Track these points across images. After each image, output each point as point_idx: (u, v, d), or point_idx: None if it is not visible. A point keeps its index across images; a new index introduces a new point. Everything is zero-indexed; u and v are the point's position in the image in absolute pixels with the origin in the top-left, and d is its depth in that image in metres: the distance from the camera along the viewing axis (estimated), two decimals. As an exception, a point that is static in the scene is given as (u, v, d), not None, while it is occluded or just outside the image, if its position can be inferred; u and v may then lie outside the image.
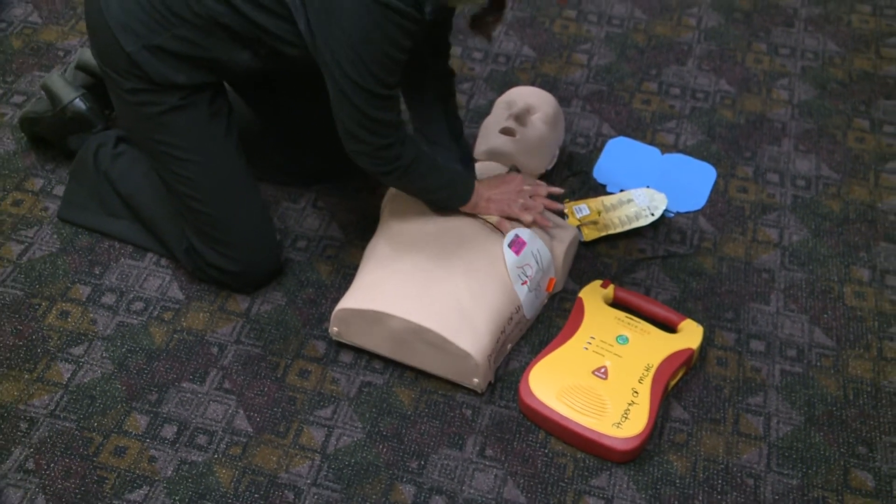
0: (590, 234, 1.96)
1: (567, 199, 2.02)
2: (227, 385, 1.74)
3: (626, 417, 1.65)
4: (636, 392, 1.68)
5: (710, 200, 2.06)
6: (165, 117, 1.71)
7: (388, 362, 1.78)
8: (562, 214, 1.98)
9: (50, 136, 2.05)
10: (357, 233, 1.98)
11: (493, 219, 1.81)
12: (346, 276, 1.91)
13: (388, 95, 1.58)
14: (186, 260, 1.85)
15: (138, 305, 1.85)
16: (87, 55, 2.03)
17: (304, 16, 1.53)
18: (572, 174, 2.10)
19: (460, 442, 1.68)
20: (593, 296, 1.83)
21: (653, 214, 1.96)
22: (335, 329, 1.76)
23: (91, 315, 1.83)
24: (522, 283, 1.75)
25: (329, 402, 1.72)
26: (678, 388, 1.76)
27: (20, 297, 1.85)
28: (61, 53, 2.30)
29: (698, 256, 1.96)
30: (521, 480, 1.63)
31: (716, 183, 2.09)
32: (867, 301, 1.89)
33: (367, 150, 1.64)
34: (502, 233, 1.80)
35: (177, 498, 1.59)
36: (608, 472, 1.64)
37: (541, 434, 1.69)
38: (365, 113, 1.58)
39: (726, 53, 2.38)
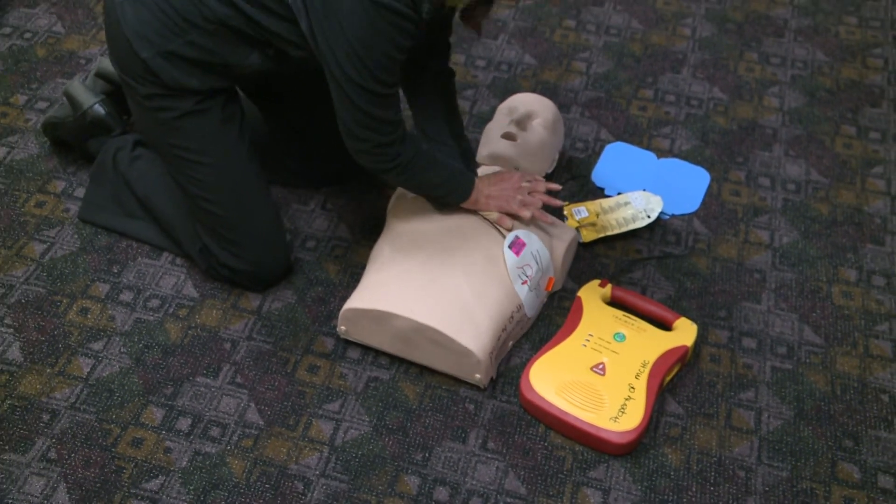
0: (588, 236, 1.95)
1: (566, 202, 2.00)
2: (239, 379, 1.73)
3: (622, 412, 1.64)
4: (633, 387, 1.67)
5: (704, 203, 2.05)
6: (180, 122, 1.70)
7: (394, 359, 1.77)
8: (561, 216, 1.97)
9: (71, 140, 2.04)
10: (364, 234, 1.97)
11: (493, 215, 1.80)
12: (353, 275, 1.90)
13: (387, 94, 1.56)
14: (200, 259, 1.84)
15: (155, 303, 1.84)
16: (106, 63, 2.02)
17: (305, 17, 1.52)
18: (571, 178, 2.08)
19: (463, 435, 1.67)
20: (592, 295, 1.82)
21: (649, 217, 1.95)
22: (343, 327, 1.75)
23: (110, 312, 1.82)
24: (523, 283, 1.74)
25: (337, 396, 1.71)
26: (673, 383, 1.75)
27: (43, 294, 1.84)
28: (83, 61, 2.30)
29: (693, 257, 1.94)
30: (522, 472, 1.62)
31: (709, 186, 2.08)
32: (854, 300, 1.88)
33: (368, 147, 1.63)
34: (502, 229, 1.78)
35: (191, 487, 1.58)
36: (605, 465, 1.63)
37: (541, 428, 1.68)
38: (365, 111, 1.56)
39: (719, 62, 2.37)
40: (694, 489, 1.60)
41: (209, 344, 1.78)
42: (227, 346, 1.78)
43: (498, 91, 2.27)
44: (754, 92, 2.29)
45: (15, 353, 1.75)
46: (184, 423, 1.67)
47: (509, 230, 1.78)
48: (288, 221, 1.99)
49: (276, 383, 1.73)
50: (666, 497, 1.59)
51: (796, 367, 1.77)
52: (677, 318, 1.78)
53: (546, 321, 1.83)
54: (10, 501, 1.55)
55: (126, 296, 1.85)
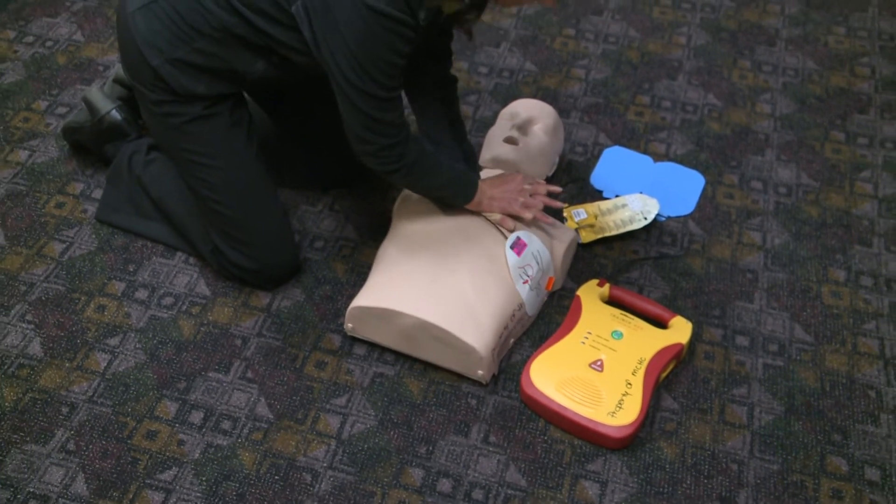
0: (587, 237, 1.93)
1: (566, 204, 1.99)
2: (249, 375, 1.72)
3: (620, 407, 1.63)
4: (630, 384, 1.65)
5: (699, 206, 2.03)
6: (189, 126, 1.69)
7: (399, 355, 1.76)
8: (560, 218, 1.95)
9: (89, 144, 2.03)
10: (370, 234, 1.96)
11: (496, 216, 1.78)
12: (360, 274, 1.88)
13: (389, 98, 1.55)
14: (212, 259, 1.83)
15: (168, 300, 1.83)
16: (123, 71, 2.00)
17: (307, 25, 1.51)
18: (571, 181, 2.07)
19: (466, 429, 1.65)
20: (590, 294, 1.80)
21: (646, 218, 1.94)
22: (349, 325, 1.74)
23: (125, 309, 1.81)
24: (524, 282, 1.72)
25: (344, 391, 1.70)
26: (669, 380, 1.73)
27: (62, 291, 1.83)
28: (101, 68, 2.29)
29: (688, 258, 1.93)
30: (523, 465, 1.61)
31: (704, 189, 2.06)
32: (843, 300, 1.87)
33: (373, 150, 1.61)
34: (504, 231, 1.77)
35: (203, 478, 1.57)
36: (603, 458, 1.62)
37: (541, 422, 1.67)
38: (368, 115, 1.55)
39: (714, 70, 2.35)
40: (688, 482, 1.59)
41: (221, 340, 1.77)
42: (238, 342, 1.77)
43: (500, 97, 2.25)
44: (747, 98, 2.27)
45: (36, 348, 1.74)
46: (196, 417, 1.65)
47: (511, 231, 1.77)
48: (296, 222, 1.97)
49: (286, 378, 1.71)
50: (661, 489, 1.58)
51: (787, 364, 1.76)
52: (673, 316, 1.77)
53: (546, 319, 1.81)
54: (32, 490, 1.54)
55: (141, 294, 1.84)
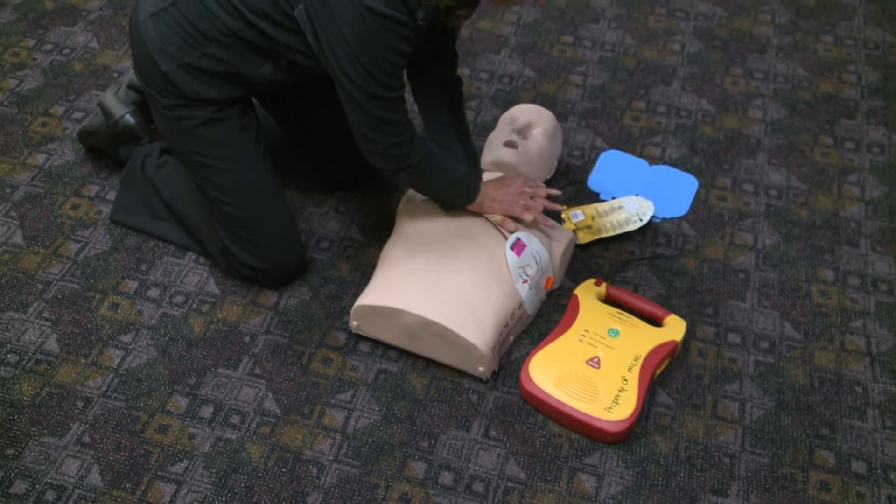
0: (584, 237, 1.92)
1: (564, 206, 1.97)
2: (257, 371, 1.71)
3: (616, 402, 1.61)
4: (625, 380, 1.64)
5: (693, 208, 2.02)
6: (199, 130, 1.68)
7: (402, 352, 1.74)
8: (559, 219, 1.94)
9: (103, 147, 2.02)
10: (374, 234, 1.95)
11: (496, 218, 1.77)
12: (364, 273, 1.87)
13: (391, 97, 1.53)
14: (221, 258, 1.82)
15: (179, 299, 1.81)
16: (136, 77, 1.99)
17: (311, 29, 1.50)
18: (569, 183, 2.05)
19: (467, 424, 1.64)
20: (587, 293, 1.79)
21: (641, 220, 1.92)
22: (354, 323, 1.73)
23: (138, 307, 1.80)
24: (523, 282, 1.71)
25: (349, 387, 1.69)
26: (663, 376, 1.72)
27: (77, 290, 1.82)
28: (115, 74, 2.27)
29: (682, 258, 1.92)
30: (522, 459, 1.60)
31: (697, 192, 2.05)
32: (831, 299, 1.85)
33: (378, 149, 1.60)
34: (505, 232, 1.75)
35: (213, 471, 1.57)
36: (600, 452, 1.61)
37: (539, 417, 1.65)
38: (371, 114, 1.54)
39: (707, 76, 2.34)
40: (682, 474, 1.58)
41: (230, 337, 1.76)
42: (247, 339, 1.75)
43: (500, 102, 2.24)
44: (739, 104, 2.26)
45: (52, 344, 1.73)
46: (206, 411, 1.64)
47: (511, 232, 1.75)
48: (303, 223, 1.96)
49: (292, 374, 1.70)
50: (656, 482, 1.57)
51: (777, 361, 1.75)
52: (667, 314, 1.76)
53: (545, 318, 1.80)
54: (49, 481, 1.54)
55: (153, 292, 1.82)
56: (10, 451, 1.57)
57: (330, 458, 1.59)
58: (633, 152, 2.13)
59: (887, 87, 2.30)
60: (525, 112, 2.00)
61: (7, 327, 1.75)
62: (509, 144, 1.94)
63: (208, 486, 1.54)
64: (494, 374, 1.71)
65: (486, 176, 1.90)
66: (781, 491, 1.56)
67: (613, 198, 2.02)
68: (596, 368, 1.66)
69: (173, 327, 1.77)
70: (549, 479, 1.57)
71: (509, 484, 1.56)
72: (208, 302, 1.81)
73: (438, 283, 1.68)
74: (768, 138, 2.18)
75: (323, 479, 1.56)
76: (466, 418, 1.65)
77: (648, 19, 2.49)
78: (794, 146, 2.16)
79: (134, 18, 1.65)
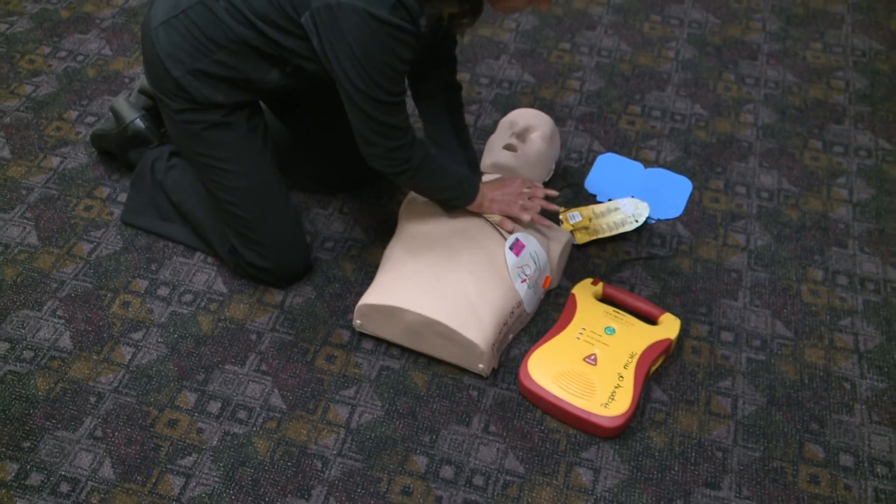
0: (582, 238, 1.90)
1: (562, 208, 1.96)
2: (264, 367, 1.69)
3: (612, 399, 1.60)
4: (621, 376, 1.63)
5: (687, 209, 2.00)
6: (208, 133, 1.66)
7: (404, 350, 1.73)
8: (557, 220, 1.92)
9: (115, 150, 2.00)
10: (377, 235, 1.93)
11: (496, 218, 1.76)
12: (367, 273, 1.86)
13: (393, 102, 1.52)
14: (229, 258, 1.81)
15: (188, 297, 1.80)
16: (147, 82, 1.99)
17: (316, 35, 1.49)
18: (567, 185, 2.04)
19: (467, 419, 1.63)
20: (584, 292, 1.78)
21: (637, 221, 1.91)
22: (358, 321, 1.71)
23: (148, 305, 1.79)
24: (522, 281, 1.69)
25: (352, 383, 1.68)
26: (658, 373, 1.71)
27: (90, 289, 1.81)
28: (127, 80, 2.26)
29: (676, 258, 1.90)
30: (521, 453, 1.59)
31: (691, 194, 2.04)
32: (821, 298, 1.84)
33: (380, 152, 1.58)
34: (504, 233, 1.74)
35: (221, 464, 1.55)
36: (596, 447, 1.60)
37: (538, 413, 1.64)
38: (374, 118, 1.52)
39: (700, 82, 2.32)
40: (676, 468, 1.57)
41: (237, 335, 1.74)
42: (253, 337, 1.74)
43: (500, 106, 2.23)
44: (731, 109, 2.25)
45: (66, 341, 1.72)
46: (214, 407, 1.63)
47: (510, 233, 1.74)
48: (308, 224, 1.95)
49: (297, 371, 1.69)
50: (651, 475, 1.56)
51: (769, 359, 1.74)
52: (662, 313, 1.74)
53: (543, 316, 1.79)
54: (63, 473, 1.53)
55: (163, 291, 1.81)
56: (26, 445, 1.56)
57: (334, 452, 1.58)
58: (628, 155, 2.12)
59: (874, 93, 2.29)
60: (524, 116, 1.99)
61: (22, 325, 1.74)
62: (509, 147, 1.93)
63: (216, 478, 1.53)
64: (494, 371, 1.70)
65: (485, 178, 1.89)
66: (772, 484, 1.55)
67: (610, 199, 2.01)
68: (593, 365, 1.64)
69: (182, 325, 1.75)
70: (547, 472, 1.56)
71: (508, 477, 1.55)
72: (216, 300, 1.80)
73: (439, 282, 1.67)
74: (760, 142, 2.16)
75: (327, 472, 1.55)
76: (467, 414, 1.64)
77: (643, 26, 2.48)
78: (785, 150, 2.15)
79: (146, 26, 1.64)
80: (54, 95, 2.21)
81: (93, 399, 1.63)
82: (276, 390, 1.66)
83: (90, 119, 2.15)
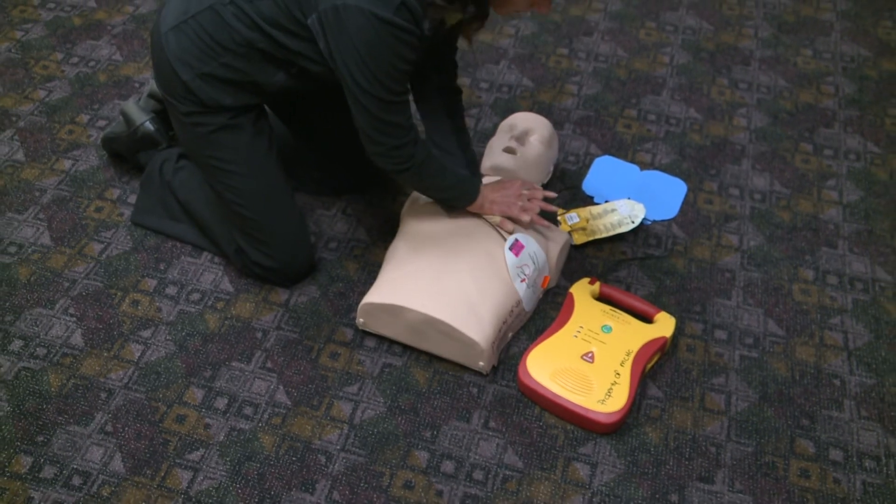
0: (579, 239, 1.89)
1: (560, 209, 1.94)
2: (269, 364, 1.68)
3: (609, 395, 1.59)
4: (618, 374, 1.62)
5: (682, 210, 1.99)
6: (215, 136, 1.65)
7: (406, 347, 1.72)
8: (555, 221, 1.91)
9: (125, 152, 1.99)
10: (380, 236, 1.92)
11: (496, 219, 1.74)
12: (370, 272, 1.84)
13: (396, 101, 1.51)
14: (235, 258, 1.79)
15: (196, 296, 1.79)
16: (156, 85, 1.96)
17: (322, 36, 1.48)
18: (565, 187, 2.03)
19: (467, 415, 1.62)
20: (582, 291, 1.76)
21: (633, 222, 1.89)
22: (361, 320, 1.70)
23: (157, 304, 1.77)
24: (521, 281, 1.68)
25: (355, 380, 1.66)
26: (654, 370, 1.70)
27: (100, 288, 1.79)
28: (137, 85, 2.25)
29: (671, 258, 1.89)
30: (520, 448, 1.57)
31: (686, 196, 2.02)
32: (811, 297, 1.83)
33: (383, 150, 1.57)
34: (504, 234, 1.72)
35: (227, 459, 1.54)
36: (593, 442, 1.58)
37: (536, 409, 1.63)
38: (378, 117, 1.51)
39: (694, 86, 2.31)
40: (671, 463, 1.56)
41: (243, 333, 1.73)
42: (259, 335, 1.73)
43: (499, 110, 2.21)
44: (725, 113, 2.23)
45: (77, 338, 1.71)
46: (221, 403, 1.62)
47: (510, 233, 1.73)
48: (312, 224, 1.94)
49: (302, 368, 1.67)
50: (646, 470, 1.55)
51: (761, 356, 1.72)
52: (658, 312, 1.73)
53: (542, 315, 1.77)
54: (75, 467, 1.52)
55: (171, 290, 1.80)
56: (40, 439, 1.55)
57: (338, 447, 1.56)
58: (625, 158, 2.10)
59: (863, 98, 2.28)
60: (523, 120, 1.97)
61: (36, 322, 1.73)
62: (508, 150, 1.91)
63: (223, 473, 1.52)
64: (494, 369, 1.68)
65: (485, 180, 1.87)
66: (764, 478, 1.54)
67: (607, 201, 1.99)
68: (590, 363, 1.63)
69: (190, 323, 1.74)
70: (545, 467, 1.55)
71: (507, 472, 1.54)
72: (223, 299, 1.78)
73: (441, 281, 1.65)
74: (752, 145, 2.15)
75: (331, 467, 1.53)
76: (467, 410, 1.62)
77: (639, 32, 2.47)
78: (777, 153, 2.13)
79: (156, 31, 1.63)
80: (67, 100, 2.20)
81: (103, 395, 1.62)
82: (282, 387, 1.65)
83: (101, 122, 2.14)
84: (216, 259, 1.86)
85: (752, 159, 2.12)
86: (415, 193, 1.85)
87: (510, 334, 1.72)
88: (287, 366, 1.68)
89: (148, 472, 1.52)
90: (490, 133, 2.16)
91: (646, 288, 1.83)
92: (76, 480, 1.50)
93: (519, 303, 1.69)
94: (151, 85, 2.00)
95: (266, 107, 1.78)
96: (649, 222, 1.97)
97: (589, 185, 2.05)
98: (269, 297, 1.79)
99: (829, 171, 2.10)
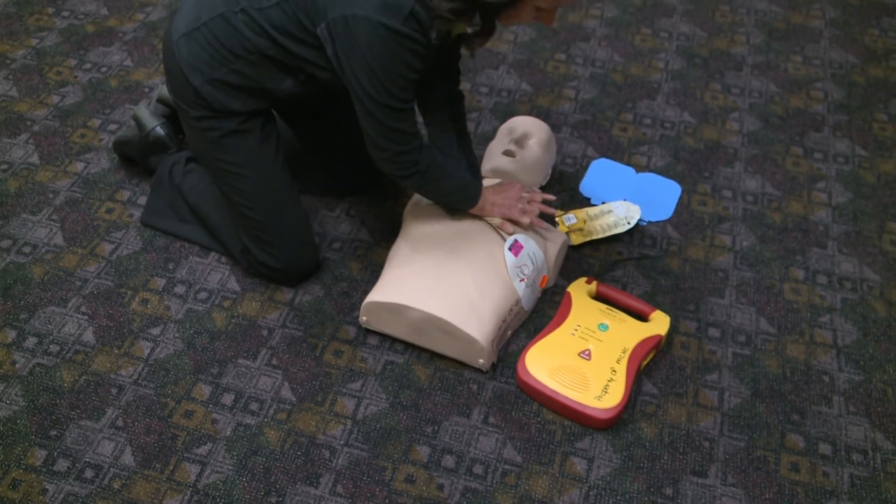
0: (577, 239, 1.87)
1: (558, 210, 1.93)
2: (274, 362, 1.67)
3: (605, 392, 1.57)
4: (614, 371, 1.60)
5: (676, 212, 1.97)
6: (224, 140, 1.64)
7: (408, 345, 1.70)
8: (553, 223, 1.89)
9: (135, 156, 1.98)
10: (382, 236, 1.90)
11: (496, 221, 1.73)
12: (373, 272, 1.83)
13: (403, 108, 1.50)
14: (242, 258, 1.78)
15: (203, 295, 1.77)
16: (167, 91, 1.97)
17: (331, 44, 1.46)
18: (562, 189, 2.01)
19: (468, 411, 1.60)
20: (579, 290, 1.75)
21: (629, 223, 1.88)
22: (364, 318, 1.69)
23: (166, 302, 1.76)
24: (521, 280, 1.67)
25: (358, 377, 1.65)
26: (649, 367, 1.68)
27: (111, 287, 1.78)
28: (147, 90, 2.23)
29: (666, 258, 1.87)
30: (518, 443, 1.56)
31: (680, 197, 2.01)
32: (802, 296, 1.81)
33: (389, 156, 1.56)
34: (504, 235, 1.71)
35: (234, 453, 1.53)
36: (590, 437, 1.57)
37: (535, 405, 1.61)
38: (384, 124, 1.50)
39: (688, 91, 2.29)
40: (666, 457, 1.55)
41: (249, 331, 1.72)
42: (265, 332, 1.71)
43: (499, 114, 2.20)
44: (718, 117, 2.21)
45: (89, 336, 1.69)
46: (228, 399, 1.61)
47: (509, 234, 1.71)
48: (317, 225, 1.92)
49: (306, 365, 1.66)
50: (642, 464, 1.54)
51: (753, 353, 1.71)
52: (653, 310, 1.72)
53: (540, 313, 1.76)
54: (88, 460, 1.51)
55: (179, 289, 1.78)
56: (53, 433, 1.54)
57: (341, 442, 1.55)
58: (621, 161, 2.09)
59: (851, 104, 2.27)
60: (522, 123, 1.96)
61: (49, 320, 1.71)
62: (507, 153, 1.90)
63: (230, 466, 1.51)
64: (493, 366, 1.67)
65: (485, 182, 1.85)
66: (756, 472, 1.53)
67: (603, 203, 1.98)
68: (587, 360, 1.62)
69: (198, 321, 1.73)
70: (543, 462, 1.53)
71: (507, 466, 1.53)
72: (230, 298, 1.77)
73: (442, 281, 1.64)
74: (745, 148, 2.13)
75: (335, 461, 1.52)
76: (467, 406, 1.61)
77: (635, 38, 2.45)
78: (768, 156, 2.12)
79: (168, 38, 1.61)
80: (79, 105, 2.18)
81: (114, 391, 1.61)
82: (287, 383, 1.63)
83: (112, 126, 2.13)
84: (223, 259, 1.84)
85: (745, 162, 2.10)
86: (416, 195, 1.83)
87: (509, 332, 1.71)
88: (292, 363, 1.67)
89: (157, 465, 1.51)
90: (490, 136, 2.14)
91: (641, 287, 1.82)
92: (88, 473, 1.49)
93: (518, 302, 1.67)
94: (161, 90, 2.00)
95: (274, 112, 1.76)
96: (645, 223, 1.95)
97: (586, 187, 2.03)
98: (274, 296, 1.78)
99: (819, 173, 2.08)
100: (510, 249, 1.69)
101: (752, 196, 2.02)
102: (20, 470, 1.50)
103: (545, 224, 1.77)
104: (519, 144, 1.92)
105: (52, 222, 1.91)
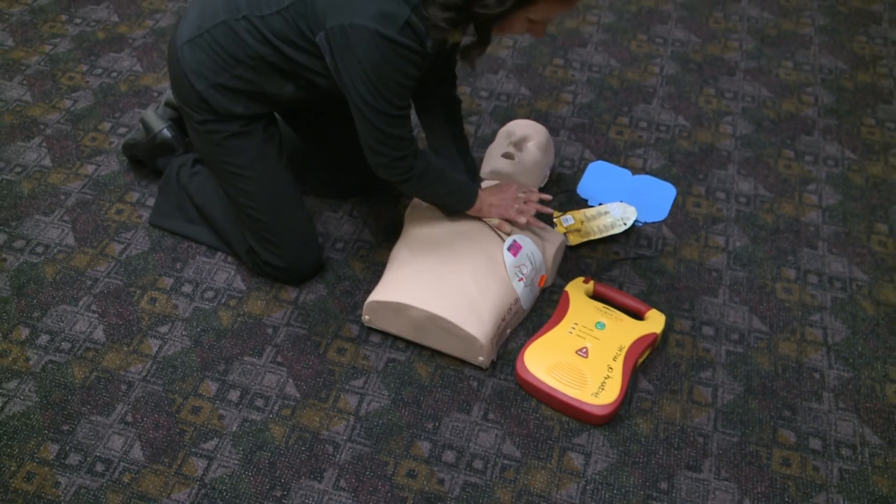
0: (574, 240, 1.86)
1: (556, 211, 1.92)
2: (279, 359, 1.66)
3: (602, 388, 1.56)
4: (611, 368, 1.59)
5: (671, 213, 1.96)
6: (228, 142, 1.63)
7: (409, 343, 1.69)
8: (551, 223, 1.88)
9: (144, 158, 1.96)
10: (385, 237, 1.89)
11: (494, 221, 1.72)
12: (375, 271, 1.82)
13: (399, 115, 1.49)
14: (247, 258, 1.77)
15: (210, 294, 1.76)
16: (172, 95, 1.94)
17: (329, 53, 1.45)
18: (560, 191, 2.00)
19: (468, 407, 1.59)
20: (577, 290, 1.73)
21: (625, 224, 1.87)
22: (366, 317, 1.67)
23: (173, 301, 1.75)
24: (519, 280, 1.65)
25: (361, 374, 1.64)
26: (645, 365, 1.67)
27: (120, 286, 1.77)
28: (155, 94, 2.22)
29: (661, 258, 1.86)
30: (517, 439, 1.55)
31: (675, 199, 1.99)
32: (793, 295, 1.80)
33: (385, 161, 1.54)
34: (502, 235, 1.70)
35: (240, 448, 1.52)
36: (587, 433, 1.56)
37: (533, 402, 1.60)
38: (381, 130, 1.48)
39: (683, 95, 2.27)
40: (661, 453, 1.54)
41: (254, 329, 1.70)
42: (270, 331, 1.70)
43: (498, 117, 2.18)
44: (712, 120, 2.20)
45: (99, 334, 1.68)
46: (234, 395, 1.59)
47: (508, 234, 1.70)
48: (320, 226, 1.91)
49: (310, 362, 1.65)
50: (637, 460, 1.53)
51: (746, 351, 1.70)
52: (648, 309, 1.70)
53: (538, 312, 1.75)
54: (98, 454, 1.51)
55: (187, 288, 1.77)
56: (65, 428, 1.54)
57: (344, 437, 1.54)
58: (617, 163, 2.08)
59: (840, 108, 2.25)
60: (521, 126, 1.95)
61: (61, 318, 1.70)
62: (506, 156, 1.88)
63: (236, 461, 1.50)
64: (493, 363, 1.66)
65: (485, 184, 1.85)
66: (748, 466, 1.52)
67: (600, 204, 1.96)
68: (584, 358, 1.60)
69: (204, 319, 1.71)
70: (541, 457, 1.52)
71: (506, 461, 1.51)
72: (235, 297, 1.76)
73: (442, 280, 1.62)
74: (738, 151, 2.12)
75: (338, 456, 1.51)
76: (467, 403, 1.60)
77: (631, 44, 2.44)
78: (761, 158, 2.10)
79: (172, 44, 1.60)
80: (90, 109, 2.17)
81: (124, 387, 1.60)
82: (291, 380, 1.62)
83: (122, 130, 2.11)
84: (229, 259, 1.83)
85: (738, 165, 2.09)
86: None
87: (508, 331, 1.69)
88: (296, 360, 1.66)
89: (165, 459, 1.50)
90: (489, 139, 2.13)
91: (637, 286, 1.81)
92: (99, 467, 1.49)
93: (517, 301, 1.66)
94: (168, 94, 1.98)
95: (276, 114, 1.76)
96: (640, 224, 1.94)
97: (583, 188, 2.02)
98: (279, 295, 1.77)
99: (810, 176, 2.07)
100: (509, 250, 1.67)
101: (744, 198, 2.01)
102: (34, 463, 1.49)
103: (543, 224, 1.76)
104: (518, 147, 1.90)
105: (63, 223, 1.89)
